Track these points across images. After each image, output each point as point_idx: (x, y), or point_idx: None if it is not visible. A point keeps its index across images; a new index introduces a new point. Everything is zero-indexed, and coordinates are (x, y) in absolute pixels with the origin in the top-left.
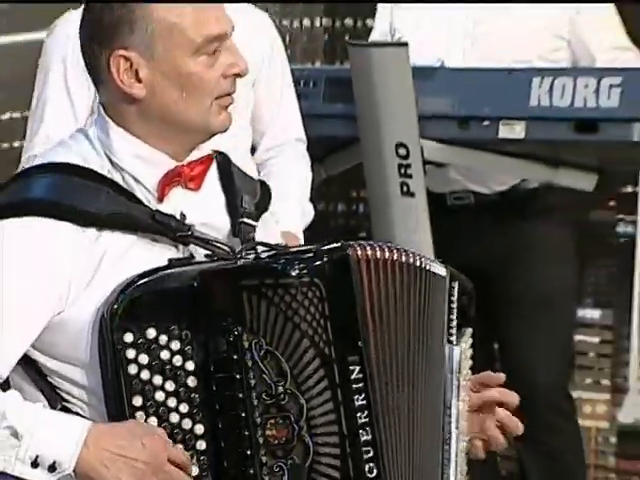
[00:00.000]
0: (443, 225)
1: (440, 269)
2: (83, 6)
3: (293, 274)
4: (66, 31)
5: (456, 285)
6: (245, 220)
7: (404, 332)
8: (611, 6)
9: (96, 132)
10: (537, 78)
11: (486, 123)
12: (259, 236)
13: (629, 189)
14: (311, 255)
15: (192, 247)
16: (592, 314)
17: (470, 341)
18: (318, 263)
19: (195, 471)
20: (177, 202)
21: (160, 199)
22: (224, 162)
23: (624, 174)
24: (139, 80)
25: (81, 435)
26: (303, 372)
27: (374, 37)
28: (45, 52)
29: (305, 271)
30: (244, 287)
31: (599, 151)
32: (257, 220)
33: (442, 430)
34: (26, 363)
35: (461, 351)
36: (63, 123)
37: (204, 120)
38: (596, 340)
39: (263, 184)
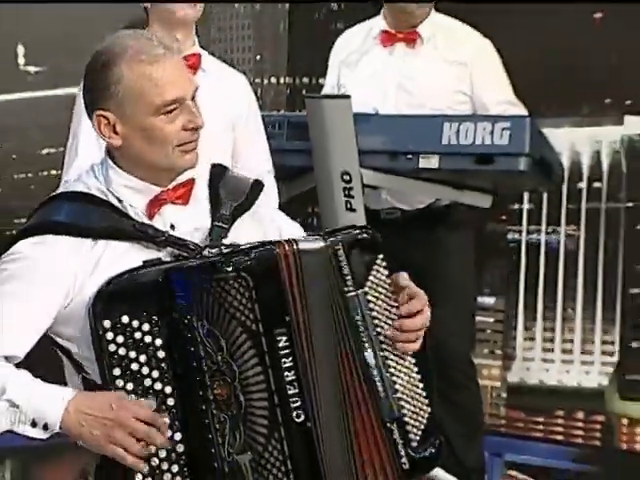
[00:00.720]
0: (384, 236)
1: (316, 244)
2: None
3: (227, 269)
4: None
5: (341, 247)
6: (217, 223)
7: (319, 301)
8: (501, 70)
9: (101, 169)
10: (447, 123)
11: (409, 156)
12: (249, 231)
13: (516, 206)
14: (244, 253)
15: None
16: (489, 301)
17: (379, 265)
18: (247, 259)
19: (166, 420)
20: (168, 216)
21: (150, 217)
22: (218, 174)
23: (512, 195)
24: (116, 133)
25: (63, 403)
26: (234, 345)
27: (325, 91)
28: (78, 102)
29: (235, 267)
30: (191, 281)
31: (494, 178)
32: (236, 219)
33: (361, 367)
34: (59, 347)
35: (362, 294)
36: (92, 156)
37: (169, 162)
38: (491, 320)
39: (256, 183)
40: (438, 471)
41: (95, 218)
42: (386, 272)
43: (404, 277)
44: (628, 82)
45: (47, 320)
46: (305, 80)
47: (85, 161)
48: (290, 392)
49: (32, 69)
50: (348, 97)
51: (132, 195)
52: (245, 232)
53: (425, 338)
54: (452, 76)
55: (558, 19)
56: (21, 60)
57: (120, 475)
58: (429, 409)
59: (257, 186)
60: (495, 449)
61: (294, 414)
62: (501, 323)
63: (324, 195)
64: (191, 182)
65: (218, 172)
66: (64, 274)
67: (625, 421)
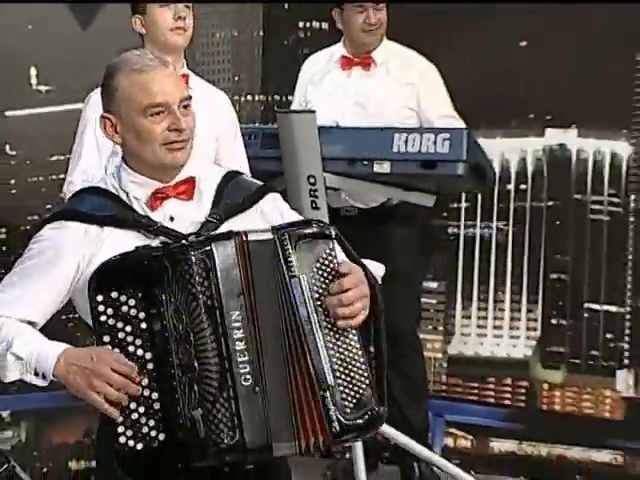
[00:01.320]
0: (338, 229)
1: (264, 236)
2: None
3: (191, 253)
4: (97, 99)
5: (287, 238)
6: (209, 218)
7: (265, 282)
8: (443, 89)
9: (117, 170)
10: (397, 134)
11: (365, 162)
12: (255, 227)
13: (455, 204)
14: (207, 241)
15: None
16: (432, 285)
17: (328, 251)
18: (207, 246)
19: (145, 382)
20: (168, 209)
21: (152, 209)
22: (229, 178)
23: (452, 195)
24: (117, 133)
25: (55, 356)
26: (193, 318)
27: (294, 106)
28: (83, 114)
29: (196, 252)
30: (166, 265)
31: (436, 181)
32: (229, 217)
33: (300, 340)
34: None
35: (309, 275)
36: (92, 160)
37: (157, 159)
38: (434, 301)
39: (260, 187)
40: (387, 428)
41: (104, 208)
42: (331, 259)
43: (346, 264)
44: (548, 101)
45: (62, 291)
46: (277, 97)
47: (87, 164)
48: (239, 360)
49: (43, 88)
50: (313, 112)
51: (136, 189)
52: (251, 227)
53: (371, 317)
54: (402, 95)
55: (491, 47)
56: (33, 80)
57: (113, 432)
58: (367, 381)
59: (261, 189)
60: (437, 411)
61: (242, 378)
62: (442, 304)
63: (293, 195)
64: (191, 180)
65: (230, 177)
66: (74, 253)
67: (546, 386)
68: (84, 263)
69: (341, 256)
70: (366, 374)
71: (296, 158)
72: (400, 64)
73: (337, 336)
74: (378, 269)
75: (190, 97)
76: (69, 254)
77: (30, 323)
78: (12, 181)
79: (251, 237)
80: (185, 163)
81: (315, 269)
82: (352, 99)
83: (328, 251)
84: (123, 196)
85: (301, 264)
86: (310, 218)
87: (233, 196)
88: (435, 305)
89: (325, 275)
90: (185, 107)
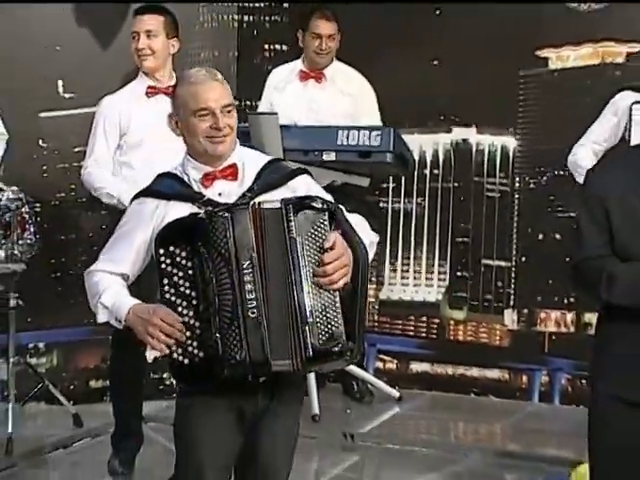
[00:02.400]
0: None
1: (274, 204)
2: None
3: (216, 218)
4: (107, 103)
5: (290, 207)
6: (246, 193)
7: (271, 240)
8: (375, 99)
9: (183, 159)
10: (341, 131)
11: (316, 153)
12: (276, 198)
13: (385, 185)
14: (230, 208)
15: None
16: None
17: (322, 221)
18: (228, 212)
19: (192, 314)
20: (218, 187)
21: (205, 187)
22: (269, 165)
23: (382, 177)
24: (178, 127)
25: (127, 309)
26: (215, 265)
27: (260, 108)
28: (97, 113)
29: (220, 217)
30: (202, 226)
31: (370, 167)
32: (262, 192)
33: (294, 283)
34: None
35: (304, 238)
36: (102, 151)
37: (202, 148)
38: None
39: (295, 170)
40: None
41: (171, 187)
42: (323, 228)
43: (335, 235)
44: (454, 106)
45: (141, 251)
46: (247, 103)
47: (98, 154)
48: (248, 297)
49: (67, 95)
50: (276, 114)
51: (193, 172)
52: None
53: (352, 278)
54: (344, 103)
55: (410, 66)
56: (60, 89)
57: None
58: (339, 322)
59: (294, 171)
60: (371, 342)
61: (249, 311)
62: (375, 261)
63: None
64: (233, 165)
65: (272, 162)
66: (150, 221)
67: (452, 322)
68: (154, 229)
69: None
70: (339, 316)
71: (263, 150)
72: (344, 79)
73: (322, 288)
74: (374, 236)
75: (233, 103)
76: (146, 222)
77: (123, 275)
78: (44, 167)
79: (263, 206)
80: (226, 153)
81: (309, 234)
82: (307, 105)
83: (321, 221)
84: (185, 178)
85: (299, 228)
86: (317, 196)
87: (270, 177)
88: (370, 262)
89: (316, 239)
90: (228, 111)
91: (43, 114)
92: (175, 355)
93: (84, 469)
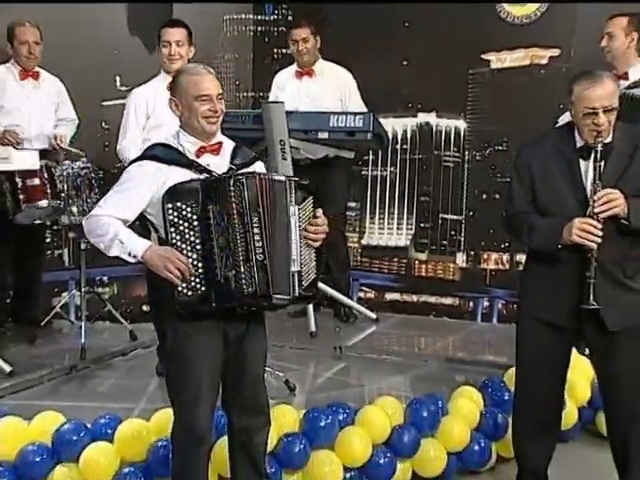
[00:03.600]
0: (298, 173)
1: (281, 177)
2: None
3: (231, 181)
4: (137, 93)
5: (292, 182)
6: (231, 165)
7: (278, 202)
8: (356, 89)
9: (177, 133)
10: (332, 115)
11: (313, 132)
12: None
13: (366, 157)
14: (241, 175)
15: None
16: (352, 204)
17: (310, 202)
18: (241, 177)
19: (194, 257)
20: (206, 158)
21: (197, 157)
22: (237, 146)
23: (364, 151)
24: (178, 109)
25: (145, 246)
26: (229, 218)
27: (270, 99)
28: (129, 101)
29: (234, 180)
30: (214, 187)
31: (355, 143)
32: (240, 169)
33: (290, 239)
34: (149, 221)
35: (300, 207)
36: (133, 132)
37: (199, 126)
38: (354, 214)
39: (255, 156)
40: (326, 287)
41: (169, 155)
42: (309, 203)
43: (319, 211)
44: (419, 97)
45: (143, 203)
46: (261, 94)
47: (130, 135)
48: (256, 244)
49: (123, 88)
50: (282, 103)
51: (188, 145)
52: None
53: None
54: (333, 93)
55: (385, 65)
56: (118, 83)
57: (175, 289)
58: (315, 271)
59: (255, 157)
60: (355, 277)
61: (258, 255)
62: (358, 215)
63: (271, 151)
64: (219, 143)
65: (238, 146)
66: (151, 180)
67: (417, 262)
68: (156, 187)
69: None
70: (316, 268)
71: (272, 129)
72: (330, 74)
73: (307, 246)
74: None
75: (223, 93)
76: (147, 181)
77: (126, 221)
78: (106, 143)
79: (271, 176)
80: (216, 131)
81: (301, 205)
82: (304, 95)
83: (309, 199)
84: (180, 148)
85: (295, 200)
86: (307, 182)
87: (241, 156)
88: (354, 216)
89: (305, 210)
90: (220, 99)
91: (105, 103)
92: (181, 288)
93: (137, 371)
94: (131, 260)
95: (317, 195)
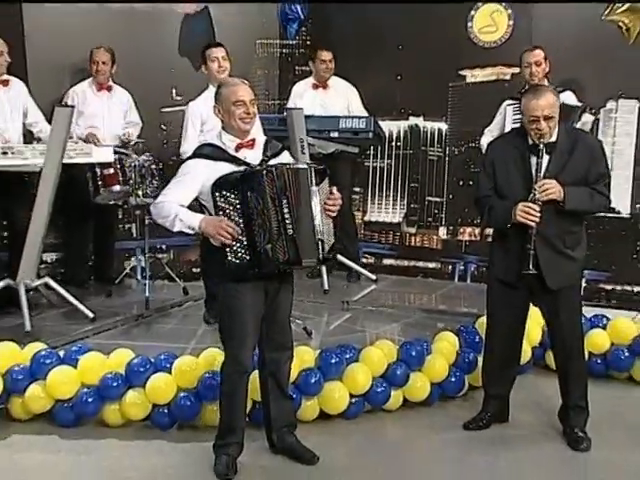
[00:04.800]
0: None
1: (304, 166)
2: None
3: (263, 171)
4: (192, 105)
5: (312, 168)
6: (264, 158)
7: (302, 185)
8: (359, 98)
9: (220, 133)
10: (342, 119)
11: (326, 132)
12: (273, 162)
13: (368, 151)
14: (272, 166)
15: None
16: (357, 189)
17: (326, 182)
18: (272, 168)
19: (239, 231)
20: (243, 152)
21: (236, 152)
22: (268, 140)
23: (366, 147)
24: (220, 114)
25: (200, 219)
26: (264, 201)
27: (289, 105)
28: (187, 112)
29: (267, 170)
30: (251, 177)
31: (359, 141)
32: (271, 159)
33: (313, 214)
34: (201, 205)
35: (318, 188)
36: (192, 136)
37: (237, 126)
38: (358, 197)
39: (282, 147)
40: (338, 256)
41: (214, 152)
42: (326, 184)
43: (334, 188)
44: (410, 104)
45: (195, 191)
46: (285, 102)
47: (189, 139)
48: (286, 221)
49: (179, 98)
50: (302, 109)
51: (229, 142)
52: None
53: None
54: (342, 101)
55: (382, 79)
56: (174, 94)
57: (224, 253)
58: (334, 238)
59: (283, 148)
60: (359, 247)
61: (289, 230)
62: (362, 198)
63: (293, 147)
64: (254, 139)
65: (268, 140)
66: (202, 173)
67: (408, 234)
68: (206, 179)
69: None
70: (334, 235)
71: (294, 130)
72: (339, 86)
73: (327, 218)
74: None
75: (255, 99)
76: (198, 174)
77: (181, 205)
78: (164, 141)
79: (296, 166)
80: (250, 130)
81: (320, 186)
82: (319, 104)
83: (327, 180)
84: (222, 146)
85: (315, 182)
86: (323, 165)
87: (271, 149)
88: (359, 198)
89: (323, 190)
90: (253, 104)
91: (163, 109)
92: (230, 257)
93: (189, 319)
94: (191, 232)
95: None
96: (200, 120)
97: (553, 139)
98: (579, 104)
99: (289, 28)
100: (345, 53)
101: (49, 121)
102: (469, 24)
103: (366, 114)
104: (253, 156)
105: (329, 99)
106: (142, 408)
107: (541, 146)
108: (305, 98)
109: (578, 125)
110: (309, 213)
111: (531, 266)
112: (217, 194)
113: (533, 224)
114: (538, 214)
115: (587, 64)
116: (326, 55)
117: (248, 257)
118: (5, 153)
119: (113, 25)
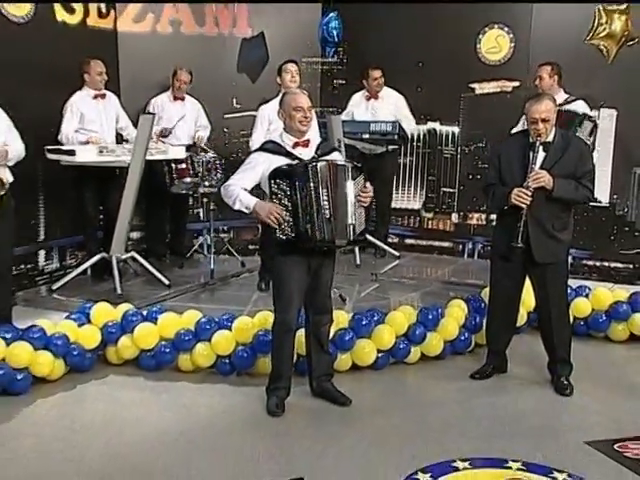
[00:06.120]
0: (368, 160)
1: (345, 163)
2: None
3: (309, 166)
4: (263, 107)
5: (350, 165)
6: (315, 155)
7: (339, 179)
8: (406, 106)
9: (282, 133)
10: (372, 123)
11: (359, 134)
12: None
13: (398, 149)
14: (316, 161)
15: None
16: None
17: (362, 177)
18: (315, 163)
19: (287, 214)
20: (299, 150)
21: (293, 149)
22: (322, 141)
23: (395, 146)
24: (283, 117)
25: (254, 201)
26: (308, 190)
27: (343, 115)
28: (257, 113)
29: (312, 165)
30: (300, 170)
31: (387, 141)
32: (321, 157)
33: (347, 203)
34: (261, 190)
35: (354, 181)
36: (259, 134)
37: (296, 127)
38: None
39: (333, 147)
40: (369, 237)
41: (274, 148)
42: (361, 178)
43: (368, 183)
44: (429, 111)
45: (257, 177)
46: (325, 109)
47: (257, 136)
48: (324, 206)
49: (238, 106)
50: (339, 114)
51: (288, 141)
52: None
53: (371, 203)
54: (390, 109)
55: (406, 91)
56: (234, 102)
57: (274, 231)
58: (364, 224)
59: (334, 148)
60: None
61: (327, 213)
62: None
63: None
64: (309, 140)
65: (322, 141)
66: (263, 164)
67: (426, 219)
68: (266, 168)
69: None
70: (364, 221)
71: (333, 132)
72: (389, 96)
73: (360, 207)
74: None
75: (312, 106)
76: (260, 163)
77: (244, 188)
78: (226, 142)
79: (336, 162)
80: (307, 131)
81: (355, 180)
82: (371, 112)
83: (362, 176)
84: (282, 143)
85: (353, 176)
86: (358, 163)
87: (322, 148)
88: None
89: (357, 184)
90: (310, 109)
91: (226, 115)
92: (278, 233)
93: (246, 287)
94: (247, 211)
95: (375, 175)
96: (267, 120)
97: (550, 139)
98: (588, 111)
99: (328, 49)
100: (389, 75)
101: (135, 125)
102: (477, 45)
103: (412, 119)
104: (307, 153)
105: (379, 108)
106: (208, 358)
107: (537, 143)
108: (361, 107)
109: (580, 130)
110: (344, 202)
111: (520, 240)
112: (272, 182)
113: (524, 206)
114: (529, 198)
115: (574, 79)
116: (377, 73)
117: (292, 234)
118: (101, 152)
119: (186, 48)
